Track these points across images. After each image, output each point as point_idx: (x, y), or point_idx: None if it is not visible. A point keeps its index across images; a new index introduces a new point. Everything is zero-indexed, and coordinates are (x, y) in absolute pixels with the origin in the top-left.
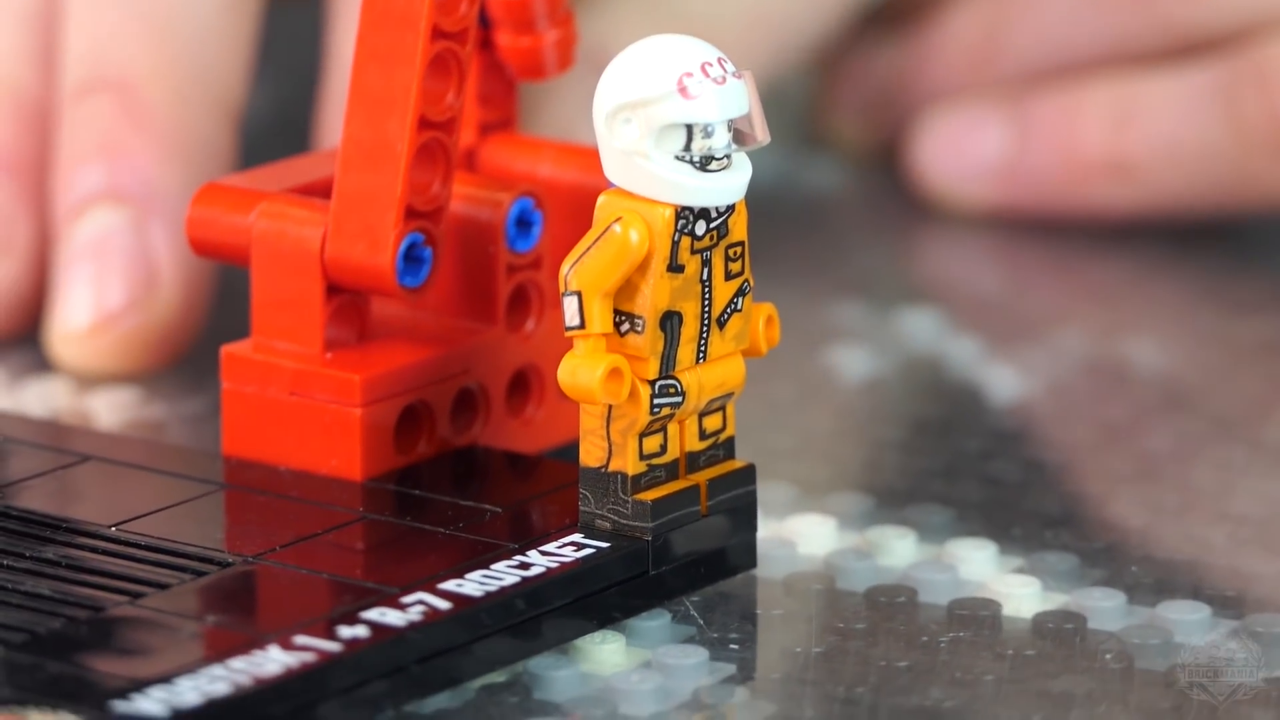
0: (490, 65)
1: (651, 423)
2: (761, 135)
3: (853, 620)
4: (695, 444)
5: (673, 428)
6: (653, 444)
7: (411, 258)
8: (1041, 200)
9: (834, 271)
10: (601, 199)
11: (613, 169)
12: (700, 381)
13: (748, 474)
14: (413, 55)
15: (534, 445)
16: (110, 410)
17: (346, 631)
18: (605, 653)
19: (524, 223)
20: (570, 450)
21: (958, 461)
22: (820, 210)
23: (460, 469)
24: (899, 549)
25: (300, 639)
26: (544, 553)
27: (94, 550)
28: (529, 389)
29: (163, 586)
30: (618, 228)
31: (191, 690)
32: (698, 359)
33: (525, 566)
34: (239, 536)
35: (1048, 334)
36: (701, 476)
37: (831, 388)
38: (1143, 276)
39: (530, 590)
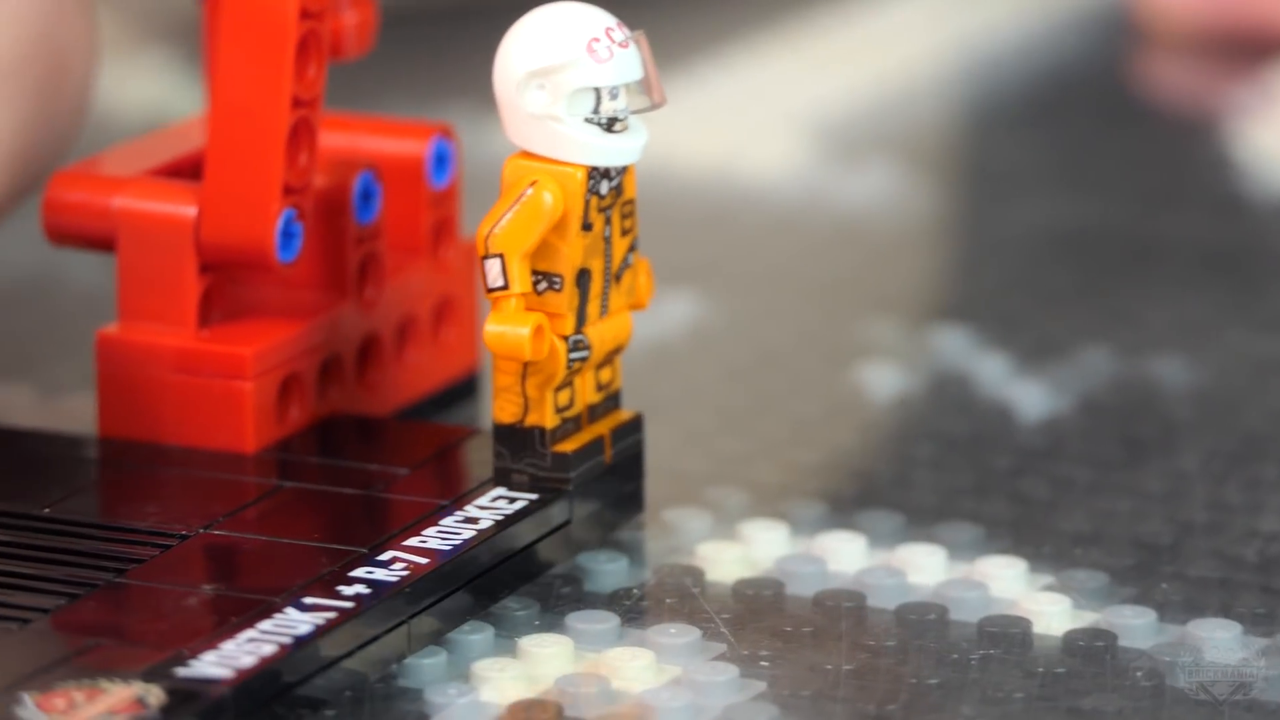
0: None
1: (565, 377)
2: (658, 97)
3: (883, 638)
4: (593, 396)
5: (577, 381)
6: (563, 398)
7: (286, 233)
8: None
9: (864, 288)
10: (509, 163)
11: (521, 133)
12: (601, 335)
13: (637, 423)
14: (286, 36)
15: (379, 410)
16: None
17: (348, 590)
18: (635, 670)
19: (365, 195)
20: (412, 412)
21: (987, 479)
22: (851, 226)
23: (341, 435)
24: (929, 566)
25: (309, 599)
26: (480, 507)
27: (46, 532)
28: (370, 356)
29: (136, 561)
30: (533, 191)
31: (242, 653)
32: (601, 314)
33: (472, 521)
34: (173, 512)
35: (1077, 351)
36: (604, 427)
37: (860, 404)
38: (1170, 294)
39: (490, 540)
